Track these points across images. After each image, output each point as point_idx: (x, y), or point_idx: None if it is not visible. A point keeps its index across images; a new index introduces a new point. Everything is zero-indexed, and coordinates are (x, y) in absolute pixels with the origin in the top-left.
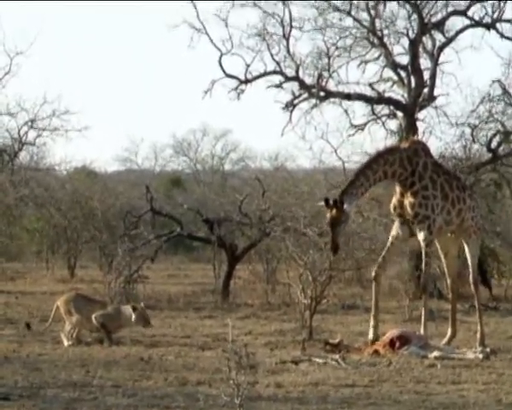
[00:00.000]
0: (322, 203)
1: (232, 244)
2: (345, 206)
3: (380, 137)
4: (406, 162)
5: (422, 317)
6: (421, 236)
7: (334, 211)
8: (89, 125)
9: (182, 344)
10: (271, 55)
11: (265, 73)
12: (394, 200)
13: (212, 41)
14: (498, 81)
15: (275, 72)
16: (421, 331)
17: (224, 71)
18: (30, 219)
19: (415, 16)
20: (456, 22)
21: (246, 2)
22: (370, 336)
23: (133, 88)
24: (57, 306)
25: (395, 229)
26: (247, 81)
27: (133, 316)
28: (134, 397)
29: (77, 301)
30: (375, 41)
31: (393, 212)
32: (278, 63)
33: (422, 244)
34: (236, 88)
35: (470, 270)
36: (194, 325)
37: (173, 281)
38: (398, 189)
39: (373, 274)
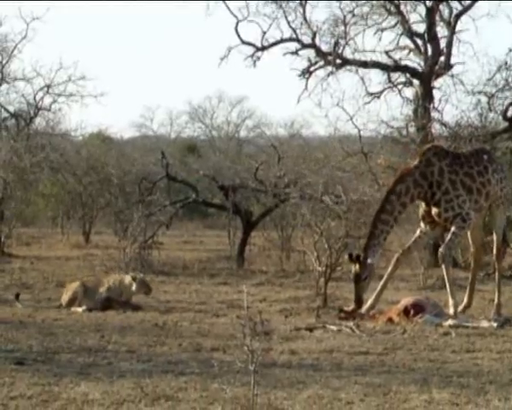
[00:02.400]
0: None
1: (247, 211)
2: (368, 260)
3: (395, 104)
4: (421, 180)
5: (448, 287)
6: (456, 225)
7: (358, 266)
8: (105, 92)
9: (196, 310)
10: (288, 23)
11: (282, 40)
12: (421, 210)
13: (228, 8)
14: None
15: (291, 39)
16: (450, 301)
17: (240, 38)
18: (45, 184)
19: None
20: None
21: None
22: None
23: (149, 55)
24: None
25: (423, 224)
26: (263, 48)
27: (134, 285)
28: (148, 363)
29: (82, 291)
30: (392, 8)
31: (423, 222)
32: (294, 30)
33: (454, 227)
34: (252, 55)
35: (494, 239)
36: (208, 291)
37: (188, 247)
38: (422, 202)
39: (395, 258)
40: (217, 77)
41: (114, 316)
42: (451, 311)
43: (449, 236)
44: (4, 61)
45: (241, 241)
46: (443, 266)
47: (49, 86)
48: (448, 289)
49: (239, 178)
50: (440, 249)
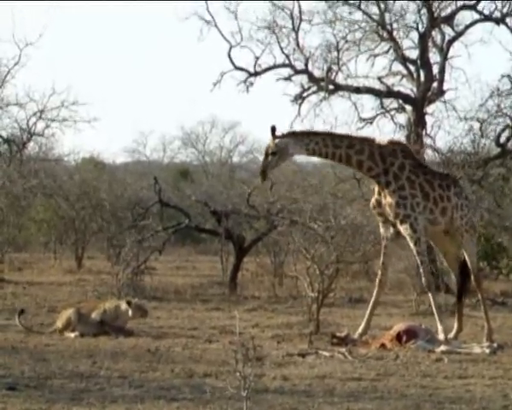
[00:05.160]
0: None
1: (240, 236)
2: (286, 141)
3: (388, 130)
4: (377, 158)
5: (435, 314)
6: (407, 236)
7: (273, 142)
8: (98, 117)
9: (189, 336)
10: (281, 48)
11: (274, 66)
12: (373, 199)
13: (221, 33)
14: (507, 76)
15: (284, 65)
16: (439, 328)
17: (233, 63)
18: (38, 209)
19: (424, 10)
20: (465, 16)
21: None
22: (359, 330)
23: (142, 79)
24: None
25: (381, 228)
26: (256, 74)
27: (129, 311)
28: (141, 388)
29: (76, 317)
30: (385, 35)
31: (373, 210)
32: (287, 56)
33: (411, 244)
34: (245, 80)
35: (470, 268)
36: (201, 316)
37: (181, 273)
38: (376, 188)
39: (377, 280)
40: (210, 102)
41: (106, 342)
42: (441, 337)
43: (418, 263)
44: None
45: (233, 266)
46: (429, 295)
47: (42, 111)
48: (436, 316)
49: (231, 203)
50: (422, 281)
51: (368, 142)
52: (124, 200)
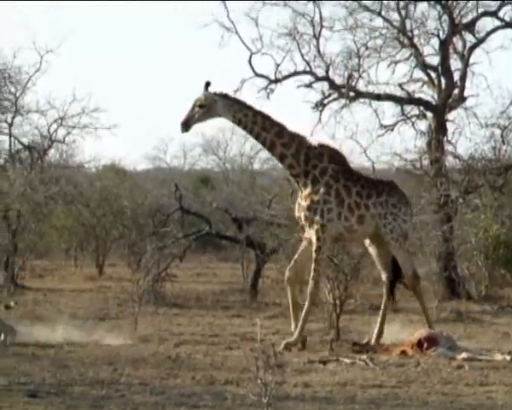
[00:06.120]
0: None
1: (260, 243)
2: (216, 99)
3: (409, 137)
4: (302, 158)
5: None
6: (312, 241)
7: (204, 96)
8: (118, 123)
9: (210, 343)
10: (301, 55)
11: (295, 73)
12: (297, 202)
13: (242, 40)
14: None
15: (305, 71)
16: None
17: (253, 70)
18: (59, 216)
19: (445, 17)
20: (486, 23)
21: (276, 1)
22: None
23: (163, 86)
24: None
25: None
26: (276, 81)
27: None
28: (161, 395)
29: None
30: (406, 41)
31: (296, 215)
32: (308, 63)
33: (312, 249)
34: (266, 87)
35: (404, 274)
36: (222, 323)
37: (202, 280)
38: (299, 192)
39: (285, 277)
40: None
41: (128, 348)
42: None
43: (311, 273)
44: (18, 94)
45: (254, 273)
46: (306, 304)
47: (62, 118)
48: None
49: (252, 210)
50: (308, 287)
51: (298, 139)
52: (144, 207)
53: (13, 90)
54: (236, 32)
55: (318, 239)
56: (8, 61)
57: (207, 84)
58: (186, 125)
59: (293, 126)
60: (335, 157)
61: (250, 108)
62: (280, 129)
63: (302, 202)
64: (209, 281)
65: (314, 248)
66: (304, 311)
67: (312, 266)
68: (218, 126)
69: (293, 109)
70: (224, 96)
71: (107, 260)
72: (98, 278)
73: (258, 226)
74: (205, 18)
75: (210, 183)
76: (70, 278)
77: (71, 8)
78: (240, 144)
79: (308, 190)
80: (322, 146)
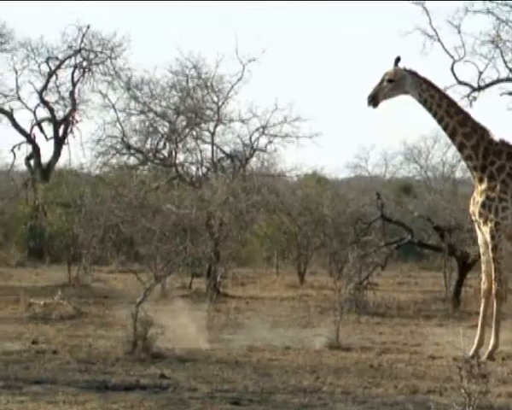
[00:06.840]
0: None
1: (463, 252)
2: (406, 75)
3: None
4: (480, 151)
5: (493, 324)
6: (487, 240)
7: (394, 70)
8: (320, 132)
9: (412, 352)
10: (504, 62)
11: (498, 81)
12: (472, 197)
13: (444, 48)
14: None
15: (508, 79)
16: (492, 339)
17: (456, 78)
18: (261, 224)
19: None
20: None
21: (479, 8)
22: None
23: (364, 94)
24: None
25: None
26: (479, 88)
27: None
28: (364, 404)
29: None
30: None
31: (470, 210)
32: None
33: (489, 247)
34: (469, 95)
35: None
36: (424, 332)
37: (403, 288)
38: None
39: (482, 292)
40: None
41: (330, 357)
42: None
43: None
44: (220, 103)
45: (456, 282)
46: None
47: (264, 127)
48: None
49: (454, 218)
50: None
51: (481, 131)
52: (346, 215)
53: (215, 99)
54: (439, 40)
55: (493, 238)
56: (210, 70)
57: (398, 59)
58: (374, 100)
59: (497, 134)
60: None
61: (438, 90)
62: (464, 118)
63: (477, 197)
64: (411, 290)
65: (490, 247)
66: (494, 311)
67: (492, 266)
68: (421, 134)
69: (497, 117)
70: (414, 74)
71: (309, 269)
72: (299, 287)
73: (460, 235)
74: (407, 25)
75: (412, 191)
76: (271, 286)
77: (272, 18)
78: (441, 153)
79: (484, 185)
80: (503, 143)
